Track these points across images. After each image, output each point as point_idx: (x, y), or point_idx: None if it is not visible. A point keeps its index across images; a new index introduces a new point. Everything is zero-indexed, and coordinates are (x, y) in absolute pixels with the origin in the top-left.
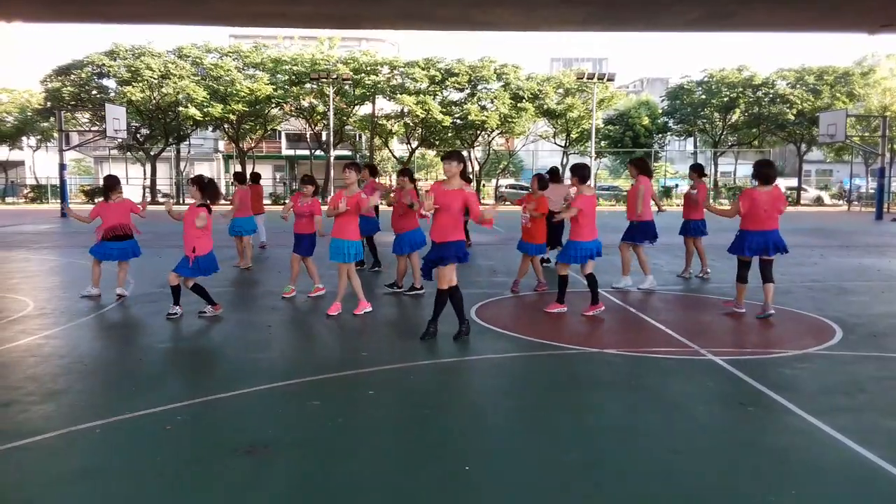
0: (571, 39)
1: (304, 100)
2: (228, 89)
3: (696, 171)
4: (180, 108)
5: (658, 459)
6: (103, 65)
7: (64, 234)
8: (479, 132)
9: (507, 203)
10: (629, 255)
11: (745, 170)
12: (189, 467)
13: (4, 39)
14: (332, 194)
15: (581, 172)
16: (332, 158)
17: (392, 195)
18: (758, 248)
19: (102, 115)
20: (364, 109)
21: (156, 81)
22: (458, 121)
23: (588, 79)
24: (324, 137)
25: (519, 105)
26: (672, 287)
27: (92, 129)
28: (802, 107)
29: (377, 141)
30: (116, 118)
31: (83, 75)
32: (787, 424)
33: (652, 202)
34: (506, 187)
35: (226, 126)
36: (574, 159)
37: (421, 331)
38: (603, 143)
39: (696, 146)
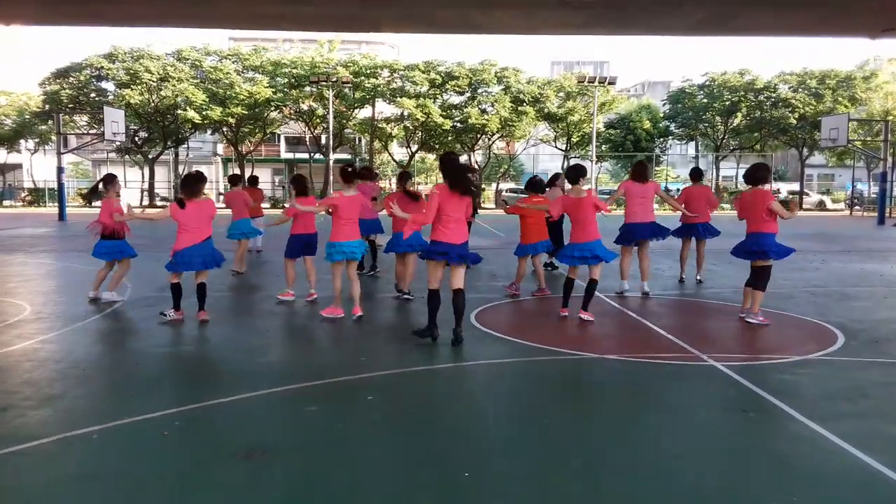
0: (572, 43)
1: (303, 103)
2: (227, 92)
3: (692, 175)
4: (179, 111)
5: (659, 464)
6: (102, 67)
7: (61, 238)
8: (479, 136)
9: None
10: (625, 258)
11: None
12: (187, 472)
13: (3, 42)
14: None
15: (569, 174)
16: (331, 162)
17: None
18: (738, 251)
19: (101, 117)
20: (364, 113)
21: (154, 84)
22: (459, 124)
23: (589, 82)
24: (323, 141)
25: (519, 108)
26: (672, 292)
27: (90, 131)
28: (804, 111)
29: (377, 144)
30: (115, 121)
31: (81, 78)
32: (788, 430)
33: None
34: (506, 191)
35: (225, 129)
36: (575, 163)
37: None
38: (604, 147)
39: (697, 150)
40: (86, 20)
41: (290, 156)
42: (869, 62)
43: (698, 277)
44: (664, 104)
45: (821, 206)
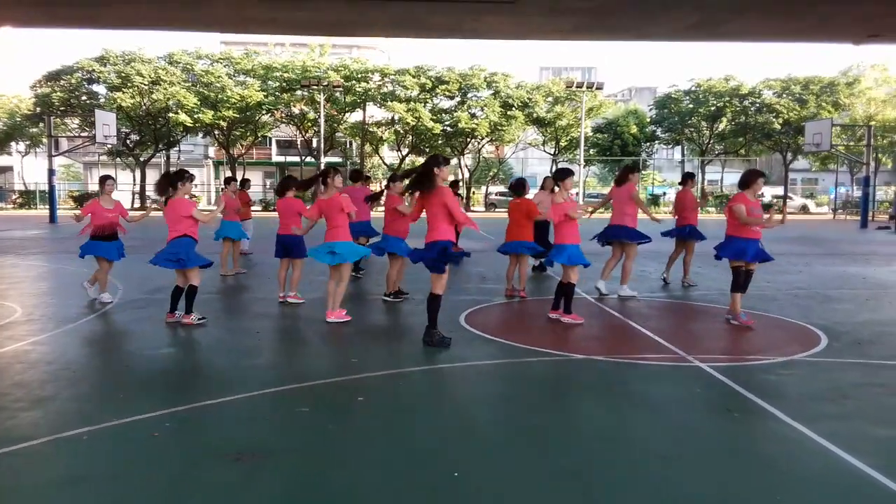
0: (561, 48)
1: (294, 106)
2: (219, 96)
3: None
4: (170, 114)
5: (644, 465)
6: (93, 70)
7: (52, 240)
8: (469, 140)
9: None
10: (621, 259)
11: (731, 178)
12: (177, 474)
13: None
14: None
15: (556, 176)
16: (322, 165)
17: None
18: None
19: (92, 120)
20: (355, 116)
21: (146, 87)
22: (449, 128)
23: (577, 87)
24: (314, 144)
25: (508, 113)
26: (659, 294)
27: (81, 134)
28: (788, 116)
29: (367, 148)
30: (106, 124)
31: (73, 81)
32: (773, 431)
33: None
34: (495, 195)
35: (216, 132)
36: (563, 167)
37: (413, 337)
38: (591, 152)
39: (683, 155)
40: (78, 23)
41: (281, 159)
42: (852, 68)
43: (687, 281)
44: (651, 109)
45: (804, 209)
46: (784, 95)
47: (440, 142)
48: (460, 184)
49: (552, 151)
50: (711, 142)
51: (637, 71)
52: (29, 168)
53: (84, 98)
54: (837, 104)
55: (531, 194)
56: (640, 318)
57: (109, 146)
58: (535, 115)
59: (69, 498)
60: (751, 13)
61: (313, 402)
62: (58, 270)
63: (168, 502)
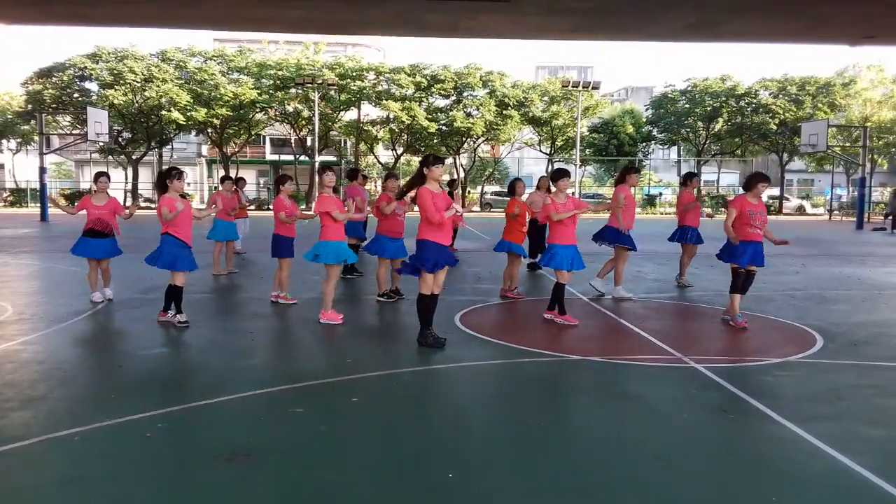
0: (557, 48)
1: (288, 105)
2: (212, 93)
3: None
4: (163, 112)
5: (640, 466)
6: (85, 67)
7: (44, 239)
8: (464, 139)
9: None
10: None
11: (728, 178)
12: (170, 475)
13: None
14: (316, 199)
15: (551, 177)
16: (316, 164)
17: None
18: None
19: (84, 118)
20: (349, 115)
21: (139, 85)
22: (444, 127)
23: (573, 87)
24: (309, 143)
25: (504, 112)
26: (655, 295)
27: (73, 132)
28: (785, 117)
29: (362, 147)
30: (98, 121)
31: (65, 78)
32: (768, 432)
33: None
34: (491, 194)
35: (209, 130)
36: (559, 167)
37: (407, 337)
38: (588, 151)
39: (679, 155)
40: (71, 20)
41: (275, 157)
42: (848, 69)
43: (684, 282)
44: (647, 109)
45: (800, 210)
46: (780, 96)
47: (435, 141)
48: (457, 182)
49: (548, 151)
50: (708, 142)
51: (633, 70)
52: (20, 166)
53: (76, 95)
54: (833, 105)
55: (527, 194)
56: (635, 318)
57: (101, 144)
58: (531, 114)
59: (61, 499)
60: (749, 13)
61: (307, 403)
62: (49, 269)
63: (161, 503)
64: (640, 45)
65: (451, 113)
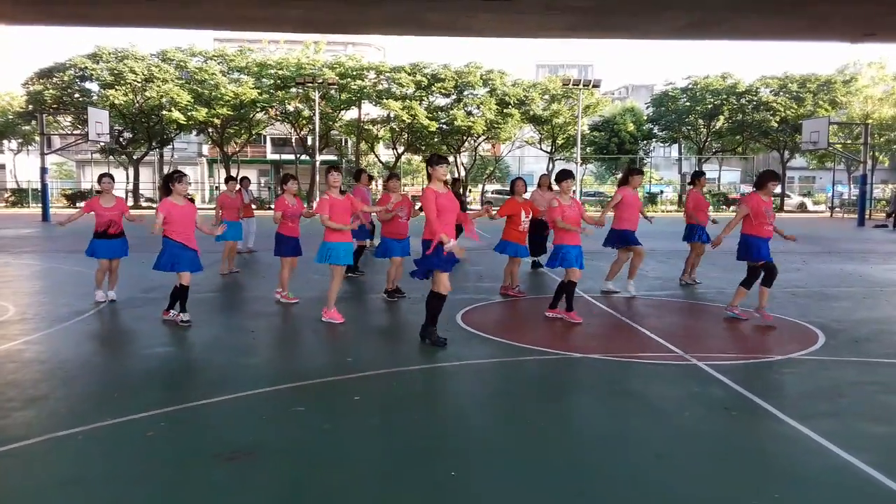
0: (557, 46)
1: (289, 104)
2: (213, 93)
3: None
4: (164, 112)
5: (642, 464)
6: (86, 68)
7: (45, 239)
8: (465, 138)
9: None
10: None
11: (728, 176)
12: (172, 474)
13: None
14: (317, 199)
15: (556, 179)
16: (317, 163)
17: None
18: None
19: (85, 118)
20: (350, 114)
21: (139, 85)
22: (445, 126)
23: (574, 85)
24: (309, 142)
25: (505, 111)
26: (657, 293)
27: (74, 132)
28: (785, 114)
29: (363, 146)
30: (99, 121)
31: (65, 78)
32: (770, 429)
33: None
34: (492, 193)
35: (210, 130)
36: (560, 165)
37: (408, 336)
38: (588, 150)
39: (680, 153)
40: (70, 20)
41: (276, 157)
42: (849, 66)
43: (687, 280)
44: (648, 107)
45: (802, 207)
46: (781, 93)
47: (436, 140)
48: (459, 182)
49: (549, 150)
50: (709, 140)
51: (634, 68)
52: (21, 166)
53: (77, 95)
54: (834, 102)
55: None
56: (637, 316)
57: (102, 144)
58: (531, 112)
59: (63, 498)
60: (748, 11)
61: (309, 402)
62: (51, 269)
63: (163, 502)
64: (641, 43)
65: (451, 112)
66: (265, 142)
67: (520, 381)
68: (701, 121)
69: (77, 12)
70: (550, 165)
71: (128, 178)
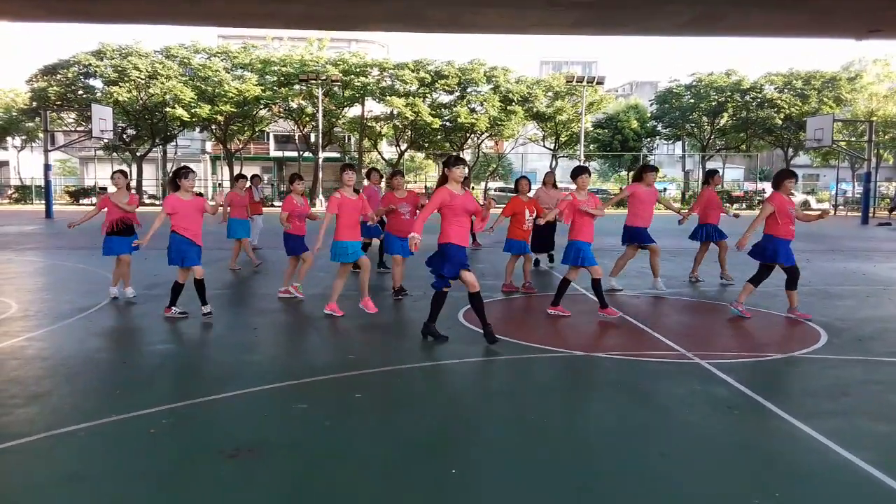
0: (561, 42)
1: (292, 101)
2: (216, 90)
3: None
4: (167, 109)
5: (645, 462)
6: (90, 65)
7: (48, 236)
8: (468, 135)
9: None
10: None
11: (732, 174)
12: (174, 471)
13: None
14: (320, 196)
15: (571, 175)
16: (320, 160)
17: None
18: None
19: (88, 115)
20: (353, 111)
21: (143, 82)
22: (448, 123)
23: (577, 82)
24: (312, 139)
25: (508, 108)
26: (661, 291)
27: (78, 129)
28: (790, 111)
29: (366, 143)
30: (103, 118)
31: (69, 75)
32: (773, 427)
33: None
34: (495, 190)
35: (213, 127)
36: (563, 162)
37: (411, 333)
38: (592, 147)
39: (684, 150)
40: (74, 17)
41: (279, 154)
42: (854, 63)
43: (696, 278)
44: (651, 104)
45: (805, 205)
46: (786, 90)
47: (439, 137)
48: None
49: (552, 147)
50: (712, 137)
51: (638, 66)
52: (25, 163)
53: (80, 92)
54: (839, 99)
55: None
56: (641, 315)
57: (106, 141)
58: (535, 109)
59: (66, 494)
60: (751, 7)
61: (311, 399)
62: (54, 266)
63: (165, 499)
64: (644, 40)
65: (454, 109)
66: (268, 139)
67: (522, 379)
68: (705, 118)
69: (77, 8)
70: (553, 163)
71: (131, 174)
